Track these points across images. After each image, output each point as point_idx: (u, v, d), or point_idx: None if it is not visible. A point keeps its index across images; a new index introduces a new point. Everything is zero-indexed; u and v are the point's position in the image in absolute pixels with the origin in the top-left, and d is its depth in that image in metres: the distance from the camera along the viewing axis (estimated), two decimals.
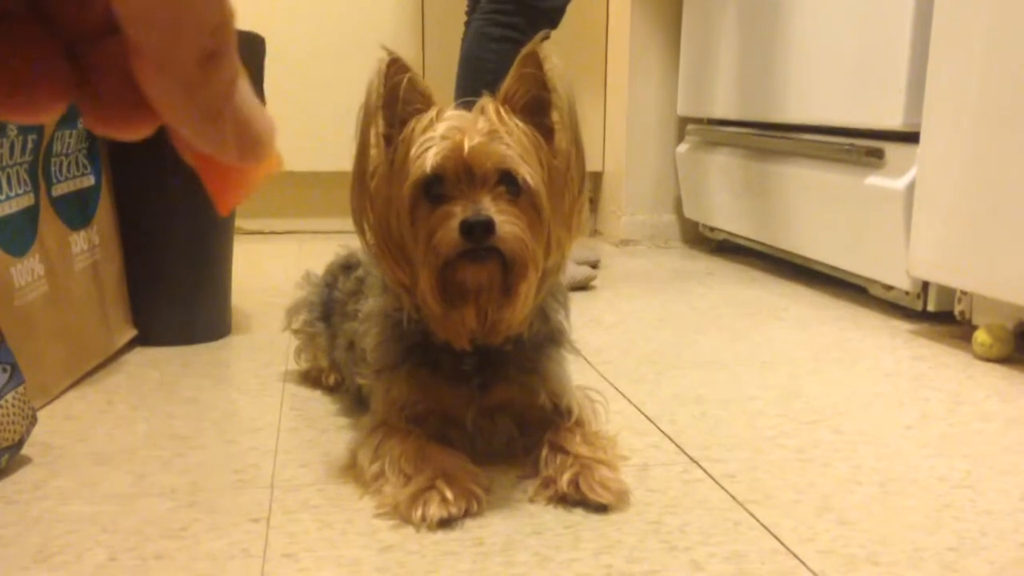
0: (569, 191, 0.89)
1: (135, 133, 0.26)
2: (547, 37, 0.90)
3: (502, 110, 0.87)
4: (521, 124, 0.87)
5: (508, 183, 0.85)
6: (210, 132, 0.24)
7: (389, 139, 0.88)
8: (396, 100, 0.87)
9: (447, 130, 0.85)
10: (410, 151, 0.85)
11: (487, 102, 0.87)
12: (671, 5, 2.47)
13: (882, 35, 1.65)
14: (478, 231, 0.82)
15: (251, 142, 0.26)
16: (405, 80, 0.87)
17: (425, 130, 0.86)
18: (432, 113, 0.87)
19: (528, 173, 0.85)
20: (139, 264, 1.45)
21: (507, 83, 0.89)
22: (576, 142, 0.88)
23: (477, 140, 0.84)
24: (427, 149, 0.84)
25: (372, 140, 0.87)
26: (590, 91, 2.65)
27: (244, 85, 0.25)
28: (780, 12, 1.97)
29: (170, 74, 0.23)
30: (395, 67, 0.87)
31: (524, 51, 0.88)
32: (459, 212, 0.83)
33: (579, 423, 0.95)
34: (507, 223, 0.83)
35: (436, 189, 0.85)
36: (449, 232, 0.83)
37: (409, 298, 0.90)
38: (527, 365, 0.95)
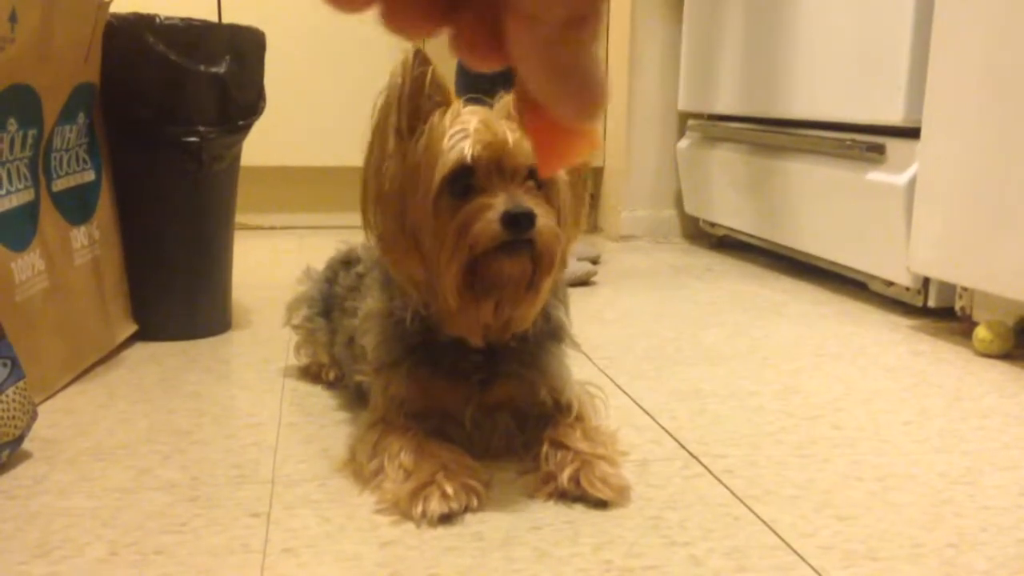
0: (576, 188, 0.90)
1: (483, 67, 0.28)
2: None
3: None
4: None
5: (535, 179, 0.86)
6: (553, 87, 0.26)
7: (408, 132, 0.87)
8: (419, 93, 0.87)
9: (479, 123, 0.85)
10: (439, 142, 0.85)
11: (511, 100, 0.86)
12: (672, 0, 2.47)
13: (883, 30, 1.64)
14: (523, 223, 0.82)
15: (589, 104, 0.27)
16: (429, 73, 0.87)
17: (454, 122, 0.86)
18: (456, 106, 0.87)
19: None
20: (139, 259, 1.45)
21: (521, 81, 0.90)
22: None
23: (514, 134, 0.84)
24: (462, 139, 0.84)
25: (390, 132, 0.87)
26: None
27: (594, 50, 0.26)
28: (782, 7, 1.97)
29: (538, 30, 0.25)
30: (419, 59, 0.87)
31: None
32: (498, 203, 0.82)
33: (579, 419, 0.95)
34: (542, 216, 0.84)
35: (464, 181, 0.84)
36: (489, 224, 0.82)
37: (419, 294, 0.90)
38: (527, 361, 0.95)
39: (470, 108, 0.88)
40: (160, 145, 1.39)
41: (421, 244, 0.87)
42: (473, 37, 0.27)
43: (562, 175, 0.88)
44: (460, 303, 0.86)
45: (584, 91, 0.26)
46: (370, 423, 0.95)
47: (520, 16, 0.25)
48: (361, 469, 0.91)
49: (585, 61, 0.26)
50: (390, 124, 0.86)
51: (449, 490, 0.83)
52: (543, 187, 0.87)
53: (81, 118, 1.31)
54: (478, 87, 0.89)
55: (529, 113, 0.28)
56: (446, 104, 0.88)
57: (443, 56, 0.87)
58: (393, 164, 0.86)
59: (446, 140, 0.85)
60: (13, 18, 1.07)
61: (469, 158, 0.83)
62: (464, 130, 0.85)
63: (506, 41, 0.26)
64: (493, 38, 0.26)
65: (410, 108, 0.87)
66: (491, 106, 0.88)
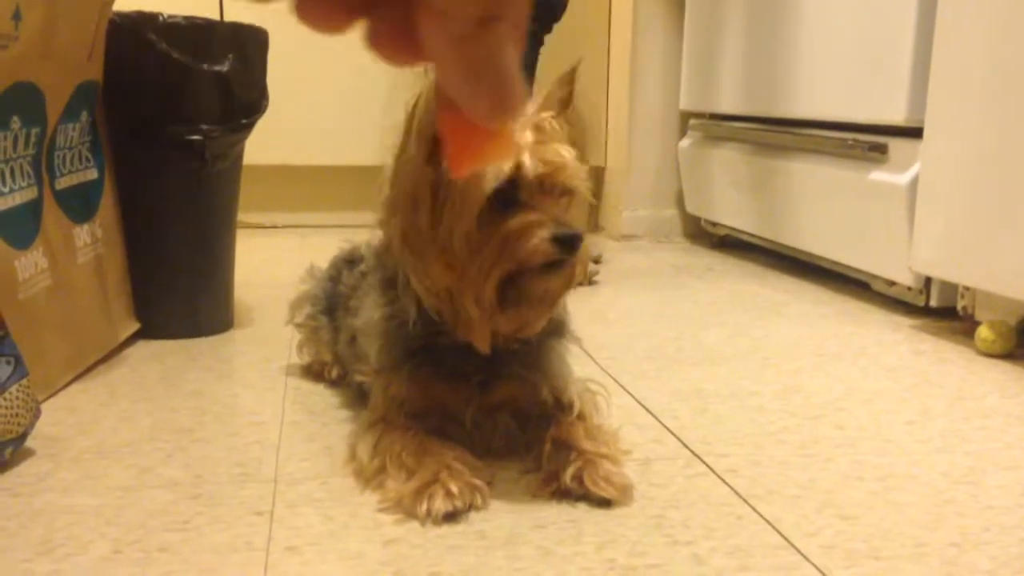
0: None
1: (399, 64, 0.28)
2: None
3: (554, 122, 0.89)
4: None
5: (566, 196, 0.88)
6: (470, 86, 0.26)
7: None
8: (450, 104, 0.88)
9: (531, 137, 0.86)
10: None
11: (544, 117, 0.88)
12: None
13: (886, 30, 1.64)
14: (575, 244, 0.84)
15: (504, 104, 0.27)
16: None
17: None
18: None
19: (584, 187, 0.89)
20: (142, 257, 1.45)
21: (548, 94, 0.91)
22: (580, 152, 0.91)
23: (565, 151, 0.86)
24: (519, 153, 0.84)
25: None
26: (592, 85, 2.65)
27: (512, 51, 0.26)
28: (784, 6, 1.97)
29: (450, 27, 0.25)
30: None
31: (567, 69, 0.92)
32: (547, 222, 0.83)
33: (581, 417, 0.95)
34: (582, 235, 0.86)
35: (509, 195, 0.84)
36: (541, 243, 0.83)
37: (433, 299, 0.89)
38: (529, 362, 0.95)
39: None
40: (163, 143, 1.39)
41: (452, 251, 0.85)
42: (387, 33, 0.27)
43: (587, 193, 0.89)
44: (489, 312, 0.86)
45: (499, 91, 0.26)
46: (371, 422, 0.95)
47: (432, 12, 0.25)
48: (362, 468, 0.91)
49: (501, 61, 0.26)
50: (426, 129, 0.83)
51: (454, 489, 0.83)
52: (571, 204, 0.89)
53: (84, 116, 1.31)
54: None
55: (445, 111, 0.28)
56: None
57: None
58: (431, 171, 0.84)
59: None
60: (17, 16, 1.07)
61: (531, 173, 0.84)
62: (518, 144, 0.85)
63: (420, 37, 0.26)
64: (407, 34, 0.26)
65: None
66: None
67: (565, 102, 0.91)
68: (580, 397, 0.97)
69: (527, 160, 0.84)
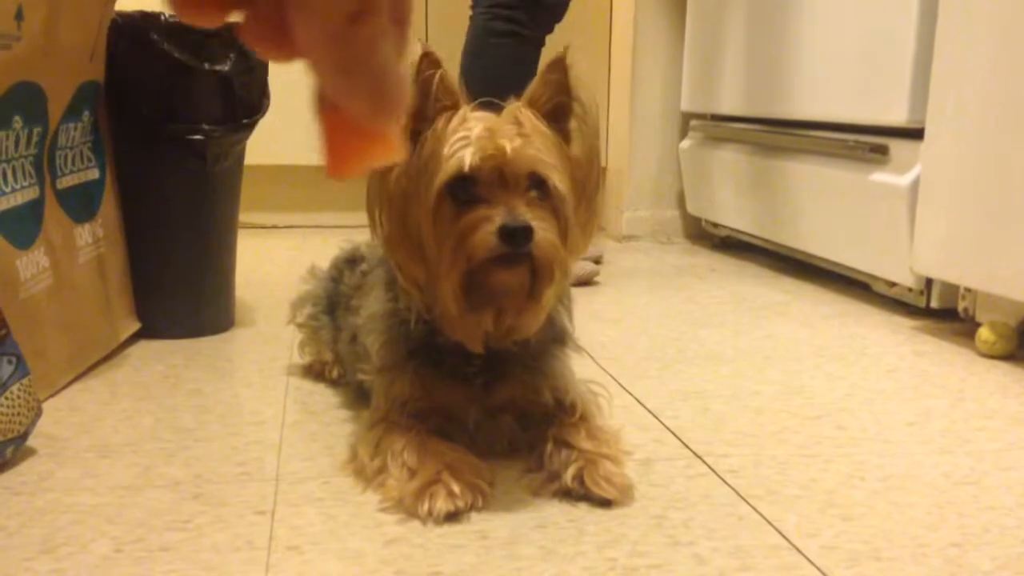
0: (585, 199, 0.89)
1: (276, 60, 0.27)
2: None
3: (532, 115, 0.86)
4: (546, 128, 0.87)
5: (538, 188, 0.85)
6: (344, 83, 0.25)
7: (414, 134, 0.87)
8: (427, 95, 0.86)
9: (483, 130, 0.84)
10: (441, 148, 0.84)
11: (518, 107, 0.87)
12: (675, 0, 2.47)
13: (887, 31, 1.64)
14: (520, 237, 0.81)
15: (383, 104, 0.26)
16: (437, 76, 0.86)
17: (458, 129, 0.85)
18: (463, 112, 0.86)
19: (559, 179, 0.85)
20: (143, 257, 1.45)
21: (533, 87, 0.89)
22: (594, 153, 0.89)
23: (515, 143, 0.83)
24: (463, 148, 0.83)
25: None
26: (593, 86, 2.65)
27: (389, 48, 0.26)
28: (785, 7, 1.97)
29: (318, 23, 0.24)
30: (427, 61, 0.86)
31: (553, 58, 0.88)
32: (496, 216, 0.82)
33: (583, 418, 0.95)
34: (542, 229, 0.83)
35: (466, 190, 0.83)
36: (486, 236, 0.82)
37: (421, 296, 0.90)
38: (530, 364, 0.95)
39: (477, 114, 0.87)
40: (164, 143, 1.39)
41: (424, 249, 0.86)
42: (262, 27, 0.26)
43: (564, 185, 0.86)
44: (460, 310, 0.86)
45: (377, 91, 0.26)
46: (372, 422, 0.95)
47: (300, 7, 0.24)
48: (363, 468, 0.91)
49: (378, 60, 0.25)
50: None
51: (455, 488, 0.83)
52: (548, 197, 0.85)
53: (86, 116, 1.31)
54: (487, 88, 0.88)
55: (324, 110, 0.27)
56: (454, 108, 0.87)
57: (441, 58, 0.87)
58: (398, 167, 0.86)
59: (447, 147, 0.84)
60: (19, 16, 1.07)
61: (468, 167, 0.82)
62: (466, 138, 0.84)
63: (293, 35, 0.25)
64: (282, 29, 0.25)
65: (417, 110, 0.87)
66: (500, 111, 0.88)
67: (562, 87, 0.88)
68: (582, 399, 0.97)
69: (466, 154, 0.82)
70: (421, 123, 0.86)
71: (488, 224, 0.82)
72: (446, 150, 0.84)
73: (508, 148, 0.83)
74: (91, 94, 1.32)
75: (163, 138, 1.39)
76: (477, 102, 0.88)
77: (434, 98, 0.86)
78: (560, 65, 0.88)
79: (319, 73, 0.25)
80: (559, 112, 0.89)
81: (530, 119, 0.86)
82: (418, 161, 0.86)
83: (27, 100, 1.14)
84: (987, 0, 1.37)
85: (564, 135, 0.89)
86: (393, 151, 0.28)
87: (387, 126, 0.27)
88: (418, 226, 0.86)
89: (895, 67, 1.60)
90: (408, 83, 0.27)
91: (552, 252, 0.84)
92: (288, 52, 0.26)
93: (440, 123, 0.86)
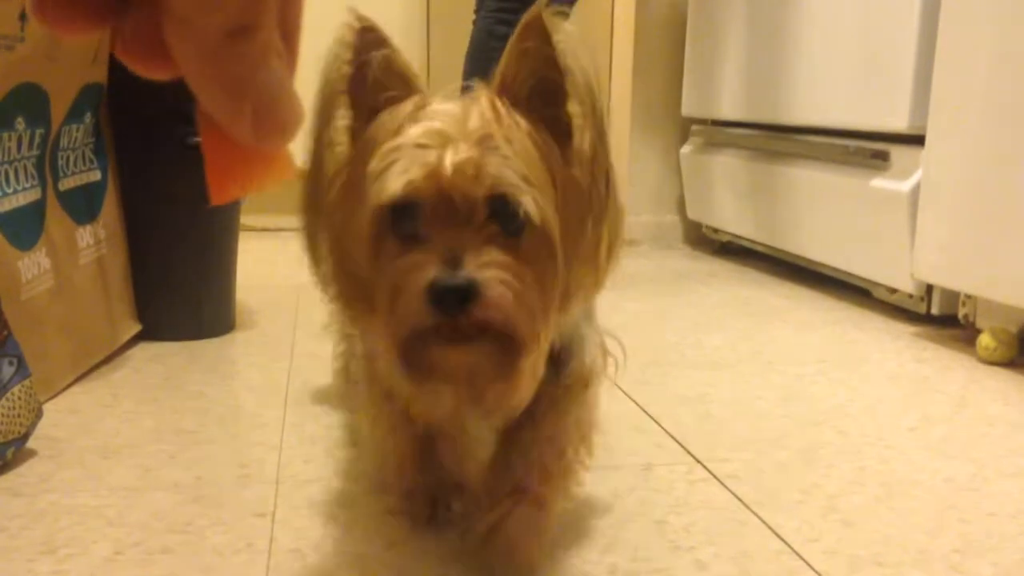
0: (593, 214, 0.62)
1: (151, 76, 0.25)
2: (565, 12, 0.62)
3: (499, 104, 0.61)
4: (524, 123, 0.61)
5: (503, 215, 0.59)
6: (228, 104, 0.24)
7: (357, 134, 0.64)
8: (365, 82, 0.62)
9: (423, 135, 0.59)
10: (370, 163, 0.60)
11: (480, 92, 0.62)
12: (676, 5, 2.48)
13: (888, 37, 1.65)
14: (449, 302, 0.57)
15: (271, 125, 0.24)
16: (380, 57, 0.62)
17: (394, 134, 0.60)
18: (408, 107, 0.62)
19: (533, 201, 0.59)
20: (144, 259, 1.45)
21: (503, 64, 0.63)
22: (601, 141, 0.62)
23: (464, 154, 0.58)
24: (391, 164, 0.59)
25: (333, 135, 0.63)
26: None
27: (277, 65, 0.24)
28: (786, 13, 1.97)
29: (195, 39, 0.23)
30: (367, 38, 0.63)
31: (524, 19, 0.61)
32: (430, 266, 0.58)
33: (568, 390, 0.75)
34: (499, 283, 0.58)
35: (407, 220, 0.60)
36: (413, 298, 0.58)
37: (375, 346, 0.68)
38: (551, 418, 0.74)
39: (430, 109, 0.62)
40: (166, 145, 1.39)
41: (367, 289, 0.63)
42: (137, 42, 0.24)
43: (546, 207, 0.60)
44: (409, 385, 0.63)
45: (262, 110, 0.24)
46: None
47: (174, 20, 0.22)
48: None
49: (263, 77, 0.23)
50: (328, 124, 0.63)
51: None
52: (518, 229, 0.59)
53: (88, 118, 1.31)
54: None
55: (207, 131, 0.25)
56: (406, 99, 0.63)
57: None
58: (342, 178, 0.63)
59: (375, 161, 0.60)
60: (23, 17, 1.07)
61: (399, 192, 0.59)
62: (399, 148, 0.59)
63: (171, 52, 0.23)
64: (159, 44, 0.23)
65: (354, 103, 0.63)
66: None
67: (544, 58, 0.61)
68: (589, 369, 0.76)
69: (392, 173, 0.59)
70: (362, 120, 0.63)
71: (418, 276, 0.58)
72: (373, 165, 0.60)
73: (448, 163, 0.58)
74: (94, 96, 1.32)
75: (165, 140, 1.39)
76: (450, 88, 0.65)
77: (376, 86, 0.62)
78: (536, 28, 0.61)
79: (199, 92, 0.24)
80: (547, 94, 0.62)
81: (494, 110, 0.61)
82: (353, 176, 0.63)
83: (30, 101, 1.14)
84: (988, 7, 1.37)
85: (562, 124, 0.62)
86: (281, 175, 0.27)
87: (274, 147, 0.25)
88: (358, 262, 0.63)
89: (896, 73, 1.61)
90: (299, 101, 0.25)
91: (516, 315, 0.58)
92: (165, 69, 0.24)
93: (381, 119, 0.62)
